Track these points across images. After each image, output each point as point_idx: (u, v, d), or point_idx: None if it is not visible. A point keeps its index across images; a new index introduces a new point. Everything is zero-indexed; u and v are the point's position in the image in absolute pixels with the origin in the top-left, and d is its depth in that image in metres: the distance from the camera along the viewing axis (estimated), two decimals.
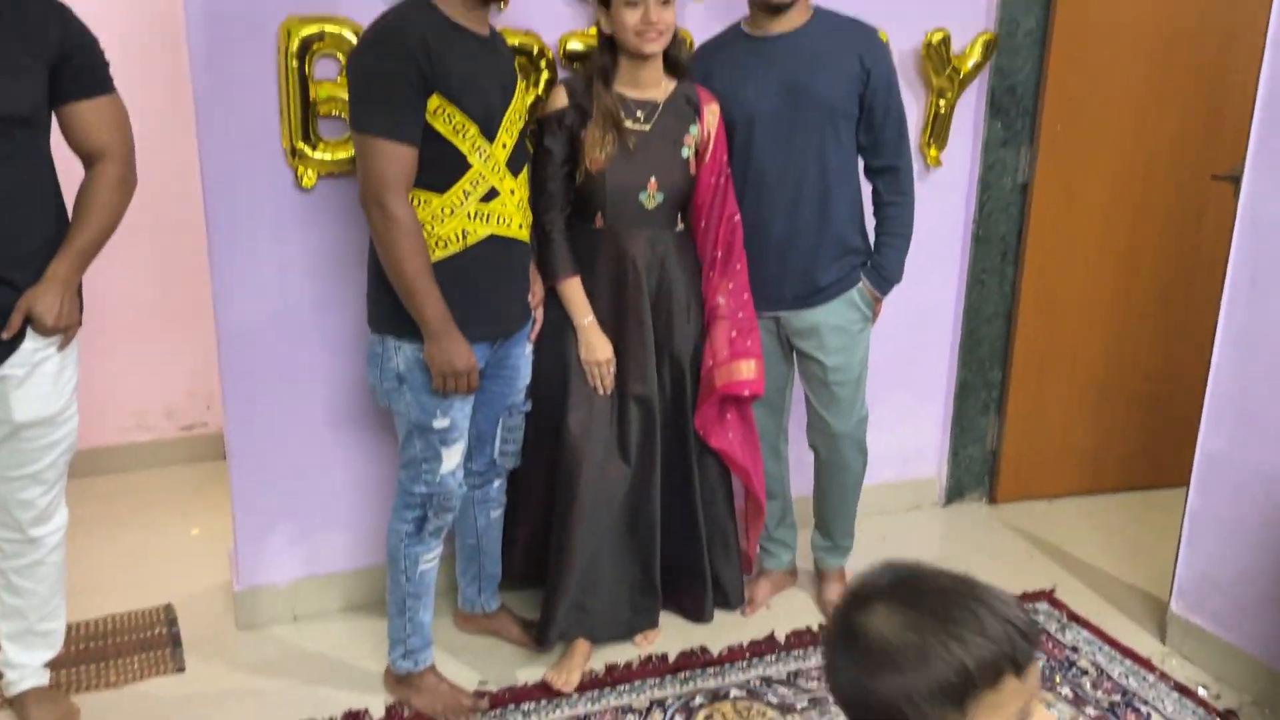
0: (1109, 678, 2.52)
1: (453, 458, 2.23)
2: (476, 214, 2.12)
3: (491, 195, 2.13)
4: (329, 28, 2.34)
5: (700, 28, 2.64)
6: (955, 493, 3.41)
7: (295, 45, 2.32)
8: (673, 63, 2.38)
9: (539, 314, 2.41)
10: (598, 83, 2.33)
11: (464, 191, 2.10)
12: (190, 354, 3.48)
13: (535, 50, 2.51)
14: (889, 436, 3.14)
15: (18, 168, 1.90)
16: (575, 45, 2.54)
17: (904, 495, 3.36)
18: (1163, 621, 2.69)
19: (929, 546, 3.19)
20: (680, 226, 2.46)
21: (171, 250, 3.37)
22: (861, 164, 2.54)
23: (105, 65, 2.01)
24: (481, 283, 2.16)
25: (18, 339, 1.93)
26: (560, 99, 2.34)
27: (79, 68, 1.95)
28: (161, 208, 3.03)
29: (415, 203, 2.07)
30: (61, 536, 2.17)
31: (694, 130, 2.40)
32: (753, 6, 2.44)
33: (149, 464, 3.55)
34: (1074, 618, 2.75)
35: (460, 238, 2.12)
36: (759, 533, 2.76)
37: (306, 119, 2.38)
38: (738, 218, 2.45)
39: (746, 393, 2.47)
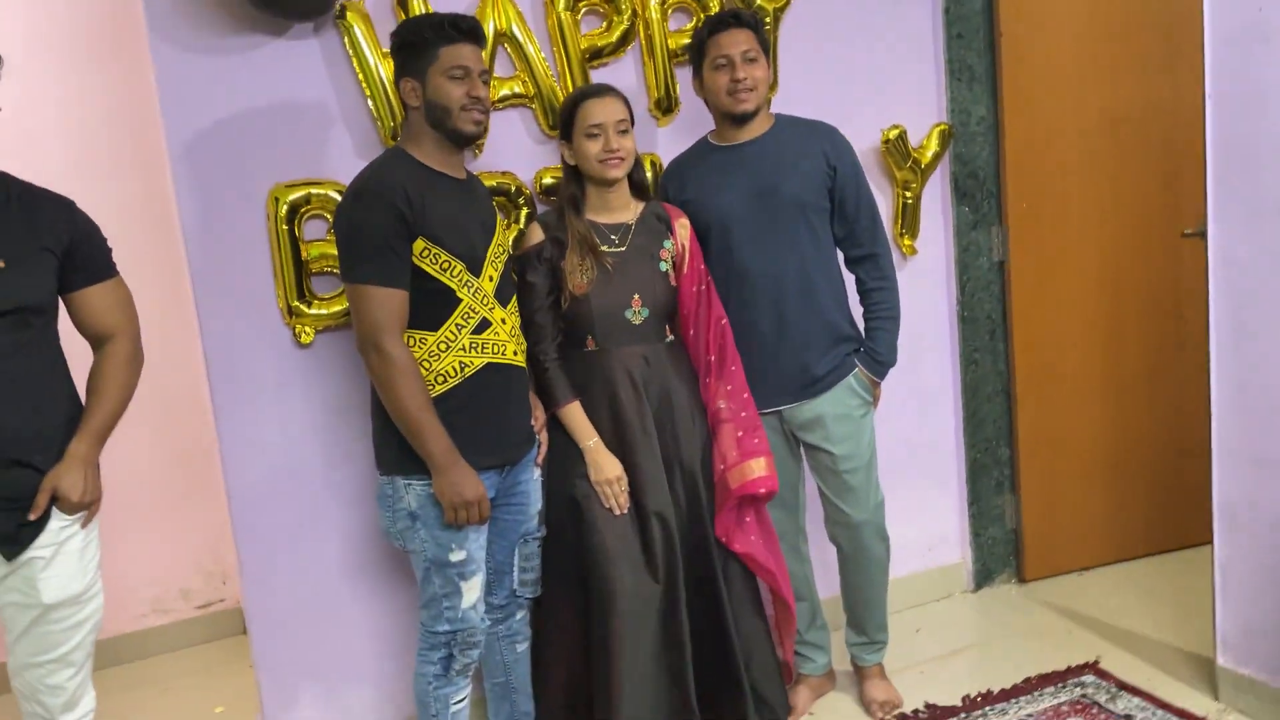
0: None
1: (472, 591, 2.22)
2: (471, 346, 2.18)
3: (484, 326, 2.19)
4: (315, 190, 2.45)
5: (666, 149, 2.76)
6: (984, 576, 3.36)
7: (284, 210, 2.42)
8: (637, 186, 2.49)
9: (544, 436, 2.43)
10: (569, 212, 2.42)
11: (456, 326, 2.16)
12: (201, 532, 3.47)
13: (513, 189, 2.61)
14: (908, 526, 3.12)
15: (36, 354, 1.99)
16: (550, 180, 2.65)
17: (932, 584, 3.31)
18: (1213, 678, 2.62)
19: (965, 634, 3.13)
20: (670, 337, 2.51)
21: (172, 431, 3.40)
22: (842, 256, 2.62)
23: (108, 251, 2.11)
24: (483, 412, 2.20)
25: (44, 519, 1.97)
26: (536, 234, 2.42)
27: (86, 256, 2.05)
28: (157, 385, 3.07)
29: (410, 343, 2.13)
30: None
31: (668, 244, 2.48)
32: (718, 119, 2.56)
33: (168, 647, 3.50)
34: (1123, 686, 2.68)
35: (458, 370, 2.17)
36: (793, 637, 2.71)
37: (300, 278, 2.46)
38: (725, 320, 2.50)
39: (762, 490, 2.45)
